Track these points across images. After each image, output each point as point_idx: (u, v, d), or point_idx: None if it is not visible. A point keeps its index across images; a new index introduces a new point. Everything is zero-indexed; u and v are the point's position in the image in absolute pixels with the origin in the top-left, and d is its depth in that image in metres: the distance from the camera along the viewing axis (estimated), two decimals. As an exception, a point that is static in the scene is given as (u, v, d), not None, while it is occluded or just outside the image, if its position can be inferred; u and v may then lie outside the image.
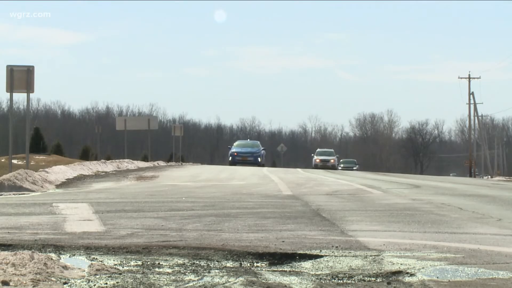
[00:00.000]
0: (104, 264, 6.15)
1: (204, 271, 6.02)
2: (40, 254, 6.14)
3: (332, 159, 61.60)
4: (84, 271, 5.88)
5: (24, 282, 5.22)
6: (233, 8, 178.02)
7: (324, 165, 59.76)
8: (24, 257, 5.86)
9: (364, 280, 5.71)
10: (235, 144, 53.29)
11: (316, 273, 6.02)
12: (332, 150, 68.00)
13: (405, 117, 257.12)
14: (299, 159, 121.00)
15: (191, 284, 5.50)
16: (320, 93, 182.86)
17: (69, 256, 6.76)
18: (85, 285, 5.36)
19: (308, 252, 7.00)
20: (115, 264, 6.31)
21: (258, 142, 55.09)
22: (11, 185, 17.34)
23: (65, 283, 5.40)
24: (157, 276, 5.78)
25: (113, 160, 36.33)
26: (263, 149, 52.13)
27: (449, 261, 6.55)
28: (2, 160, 42.05)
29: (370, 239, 8.04)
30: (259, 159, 49.91)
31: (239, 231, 8.66)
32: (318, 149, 67.03)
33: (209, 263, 6.45)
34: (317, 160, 61.37)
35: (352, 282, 5.66)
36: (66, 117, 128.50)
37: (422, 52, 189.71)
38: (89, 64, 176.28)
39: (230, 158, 50.37)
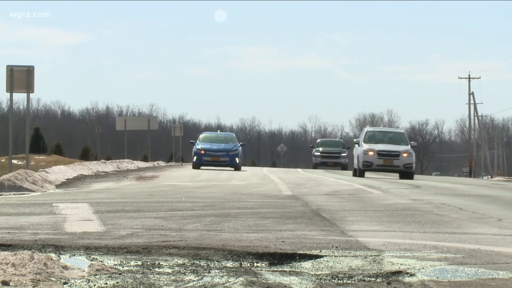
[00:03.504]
0: (104, 264, 6.15)
1: (204, 271, 6.02)
2: (40, 254, 6.14)
3: (344, 153, 46.66)
4: (84, 271, 5.88)
5: (24, 282, 5.22)
6: (233, 8, 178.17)
7: (331, 160, 46.03)
8: (24, 257, 5.86)
9: (364, 280, 5.71)
10: (201, 137, 36.39)
11: (316, 273, 6.01)
12: (341, 140, 53.20)
13: (405, 117, 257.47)
14: (299, 159, 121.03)
15: (191, 284, 5.50)
16: (320, 93, 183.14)
17: (69, 256, 6.76)
18: (85, 285, 5.36)
19: (308, 252, 7.00)
20: (115, 264, 6.30)
21: (233, 135, 38.43)
22: (11, 185, 17.33)
23: (65, 283, 5.40)
24: (157, 276, 5.78)
25: (113, 160, 36.37)
26: (240, 145, 36.24)
27: (449, 261, 6.55)
28: (2, 160, 42.05)
29: (370, 239, 8.04)
30: (237, 160, 34.45)
31: (239, 231, 8.66)
32: (320, 140, 51.22)
33: (209, 263, 6.44)
34: (320, 154, 46.22)
35: (352, 282, 5.66)
36: (66, 117, 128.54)
37: (422, 52, 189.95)
38: (89, 64, 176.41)
39: (195, 158, 34.50)
